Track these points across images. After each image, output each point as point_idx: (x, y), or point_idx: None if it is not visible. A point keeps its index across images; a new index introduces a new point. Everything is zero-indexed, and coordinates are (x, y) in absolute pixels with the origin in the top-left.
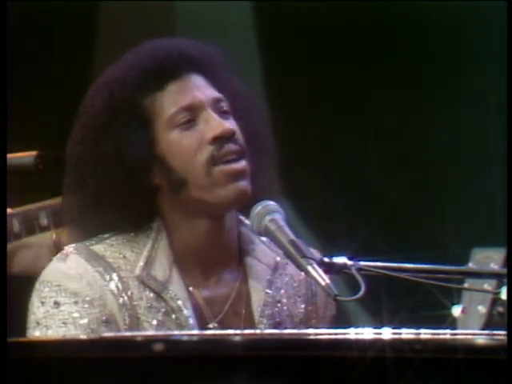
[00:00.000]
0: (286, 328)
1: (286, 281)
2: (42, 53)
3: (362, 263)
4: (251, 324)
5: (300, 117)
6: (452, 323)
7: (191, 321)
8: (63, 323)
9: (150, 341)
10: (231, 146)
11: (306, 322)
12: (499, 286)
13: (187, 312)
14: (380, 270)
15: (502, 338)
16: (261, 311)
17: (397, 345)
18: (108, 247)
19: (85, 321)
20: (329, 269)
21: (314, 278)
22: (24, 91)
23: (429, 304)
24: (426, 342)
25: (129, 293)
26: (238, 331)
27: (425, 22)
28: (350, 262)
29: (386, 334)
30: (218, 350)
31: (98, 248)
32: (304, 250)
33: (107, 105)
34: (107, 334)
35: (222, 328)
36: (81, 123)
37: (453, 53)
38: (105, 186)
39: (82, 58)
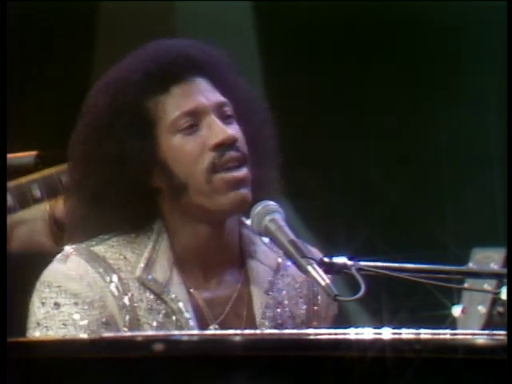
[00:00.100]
0: (287, 329)
1: (288, 282)
2: (42, 53)
3: (362, 263)
4: (253, 326)
5: (300, 117)
6: (452, 323)
7: (192, 323)
8: (63, 324)
9: (149, 341)
10: (233, 154)
11: (307, 323)
12: (499, 286)
13: (188, 314)
14: (380, 270)
15: (501, 338)
16: (262, 313)
17: (397, 345)
18: (109, 248)
19: (85, 322)
20: (329, 269)
21: (314, 278)
22: (24, 91)
23: (429, 304)
24: (426, 342)
25: (129, 294)
26: (237, 331)
27: (425, 22)
28: (350, 262)
29: (386, 333)
30: (218, 350)
31: (99, 249)
32: (304, 250)
33: (110, 106)
34: (107, 334)
35: (223, 330)
36: (83, 123)
37: (453, 53)
38: (105, 186)
39: (82, 58)
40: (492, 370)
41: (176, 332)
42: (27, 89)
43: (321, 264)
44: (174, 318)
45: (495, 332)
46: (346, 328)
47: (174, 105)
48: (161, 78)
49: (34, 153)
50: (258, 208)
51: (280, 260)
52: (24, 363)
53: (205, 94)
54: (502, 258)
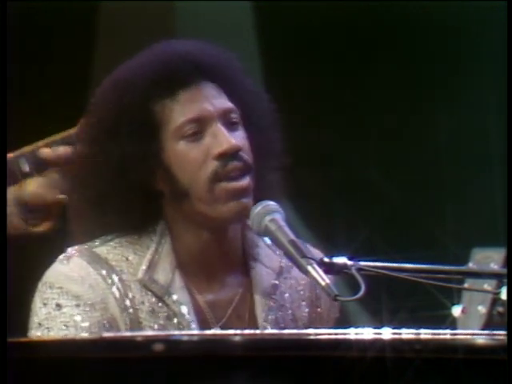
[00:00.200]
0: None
1: (291, 284)
2: (42, 53)
3: (362, 263)
4: (255, 329)
5: (300, 117)
6: (452, 323)
7: (193, 325)
8: (64, 326)
9: (149, 341)
10: (236, 164)
11: (310, 326)
12: (499, 286)
13: (189, 316)
14: (380, 270)
15: (501, 338)
16: (265, 316)
17: (397, 345)
18: (111, 249)
19: (86, 324)
20: (329, 269)
21: (314, 278)
22: (24, 91)
23: (429, 304)
24: (426, 342)
25: (131, 296)
26: (238, 331)
27: (425, 22)
28: (350, 262)
29: (386, 333)
30: (218, 349)
31: (101, 250)
32: (304, 250)
33: (116, 107)
34: (107, 334)
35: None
36: (88, 123)
37: (453, 53)
38: (108, 187)
39: (82, 58)
40: (492, 369)
41: (176, 332)
42: (27, 89)
43: (321, 264)
44: (175, 320)
45: (495, 332)
46: (345, 328)
47: (180, 111)
48: (168, 82)
49: None
50: (258, 208)
51: (283, 263)
52: (24, 363)
53: (211, 100)
54: (501, 258)
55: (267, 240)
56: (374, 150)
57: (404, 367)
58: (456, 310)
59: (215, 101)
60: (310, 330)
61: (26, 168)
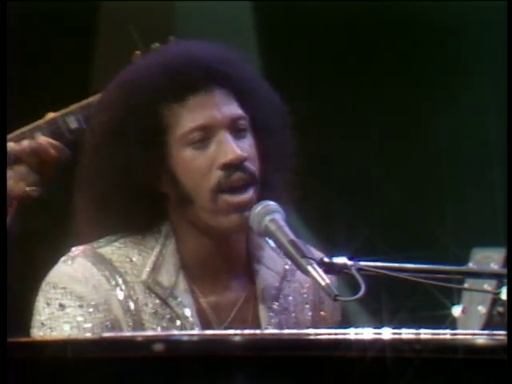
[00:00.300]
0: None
1: (295, 288)
2: (42, 53)
3: (362, 263)
4: None
5: (300, 117)
6: (452, 323)
7: (196, 328)
8: (67, 326)
9: (149, 341)
10: (240, 175)
11: None
12: (499, 286)
13: (192, 319)
14: (380, 270)
15: (501, 338)
16: (268, 319)
17: (397, 345)
18: (115, 250)
19: (89, 325)
20: (329, 269)
21: (314, 278)
22: (24, 91)
23: (429, 304)
24: (426, 342)
25: (134, 298)
26: (237, 331)
27: (425, 22)
28: (350, 262)
29: (386, 333)
30: (218, 349)
31: (106, 251)
32: (304, 250)
33: (124, 108)
34: (107, 334)
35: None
36: (97, 122)
37: (453, 53)
38: (113, 188)
39: (82, 58)
40: (492, 369)
41: (176, 332)
42: (27, 89)
43: (321, 264)
44: (178, 322)
45: (495, 332)
46: (345, 328)
47: (188, 117)
48: (177, 87)
49: None
50: (258, 208)
51: (287, 266)
52: (24, 363)
53: (220, 107)
54: (501, 258)
55: (272, 243)
56: (374, 150)
57: (404, 367)
58: (456, 310)
59: (224, 108)
60: (310, 330)
61: (75, 125)
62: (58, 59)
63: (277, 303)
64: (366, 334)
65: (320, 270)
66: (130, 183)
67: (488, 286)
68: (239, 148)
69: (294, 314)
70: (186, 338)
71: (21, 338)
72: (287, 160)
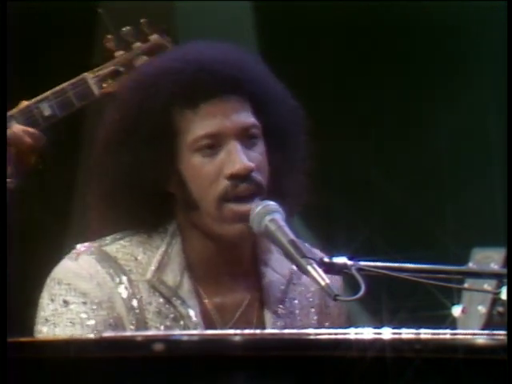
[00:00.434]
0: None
1: (300, 291)
2: (42, 53)
3: (362, 263)
4: None
5: None
6: (452, 323)
7: (200, 328)
8: (71, 322)
9: (149, 341)
10: (246, 186)
11: None
12: (499, 286)
13: (196, 319)
14: (380, 270)
15: (501, 337)
16: (273, 322)
17: (397, 345)
18: (121, 248)
19: (92, 322)
20: (329, 269)
21: (314, 278)
22: (24, 91)
23: (429, 304)
24: (426, 342)
25: (138, 296)
26: (237, 331)
27: (425, 22)
28: (350, 262)
29: (386, 333)
30: (218, 349)
31: (111, 249)
32: (304, 250)
33: (137, 107)
34: (107, 334)
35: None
36: (109, 118)
37: (453, 53)
38: (121, 184)
39: (82, 58)
40: (492, 369)
41: (176, 332)
42: (27, 88)
43: (321, 264)
44: (181, 322)
45: (495, 332)
46: (346, 328)
47: (199, 124)
48: (191, 94)
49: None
50: (258, 208)
51: (294, 269)
52: (24, 363)
53: (231, 115)
54: (501, 258)
55: None
56: (374, 150)
57: (404, 367)
58: (456, 310)
59: (235, 116)
60: (310, 330)
61: (49, 111)
62: (57, 59)
63: (282, 306)
64: (366, 333)
65: (320, 270)
66: (138, 182)
67: (488, 285)
68: (248, 158)
69: (299, 318)
70: (185, 338)
71: (21, 338)
72: (300, 164)
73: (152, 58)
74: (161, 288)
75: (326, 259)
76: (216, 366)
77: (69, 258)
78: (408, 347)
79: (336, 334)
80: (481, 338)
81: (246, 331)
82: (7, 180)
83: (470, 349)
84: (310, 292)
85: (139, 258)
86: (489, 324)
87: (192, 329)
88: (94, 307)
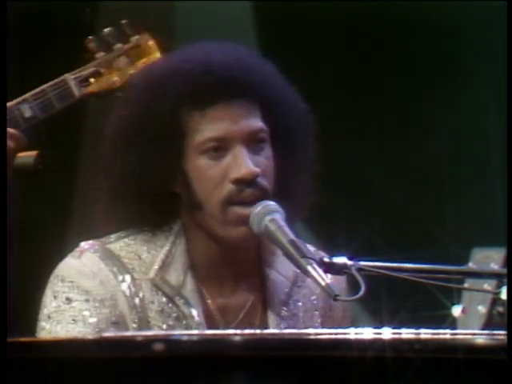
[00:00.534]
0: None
1: (304, 294)
2: (42, 52)
3: (362, 263)
4: None
5: None
6: (452, 323)
7: (202, 328)
8: (73, 320)
9: (149, 341)
10: (251, 191)
11: None
12: (499, 286)
13: (199, 319)
14: (380, 270)
15: (501, 337)
16: (276, 324)
17: (397, 345)
18: (125, 246)
19: (94, 320)
20: (329, 269)
21: (314, 278)
22: (24, 91)
23: (429, 304)
24: (425, 342)
25: (141, 295)
26: (237, 331)
27: (425, 22)
28: (350, 262)
29: (386, 333)
30: (218, 349)
31: (114, 247)
32: (304, 250)
33: (145, 106)
34: (107, 334)
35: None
36: (117, 115)
37: (453, 53)
38: (127, 181)
39: (82, 58)
40: (492, 370)
41: (176, 332)
42: (27, 88)
43: (321, 264)
44: (184, 322)
45: (495, 332)
46: (345, 328)
47: (206, 127)
48: (200, 96)
49: (34, 153)
50: (258, 208)
51: (298, 271)
52: (24, 363)
53: (239, 120)
54: (502, 258)
55: None
56: (374, 150)
57: (404, 367)
58: (456, 310)
59: (243, 121)
60: (310, 330)
61: (30, 113)
62: (57, 59)
63: (286, 308)
64: (366, 333)
65: (320, 270)
66: (144, 181)
67: (488, 286)
68: (254, 162)
69: (302, 320)
70: (185, 338)
71: (21, 338)
72: (308, 167)
73: (163, 56)
74: (164, 287)
75: (326, 259)
76: (216, 366)
77: (72, 256)
78: (408, 347)
79: (336, 334)
80: (481, 338)
81: (246, 331)
82: None
83: (470, 349)
84: (314, 295)
85: (143, 256)
86: (489, 324)
87: (194, 328)
88: (97, 305)
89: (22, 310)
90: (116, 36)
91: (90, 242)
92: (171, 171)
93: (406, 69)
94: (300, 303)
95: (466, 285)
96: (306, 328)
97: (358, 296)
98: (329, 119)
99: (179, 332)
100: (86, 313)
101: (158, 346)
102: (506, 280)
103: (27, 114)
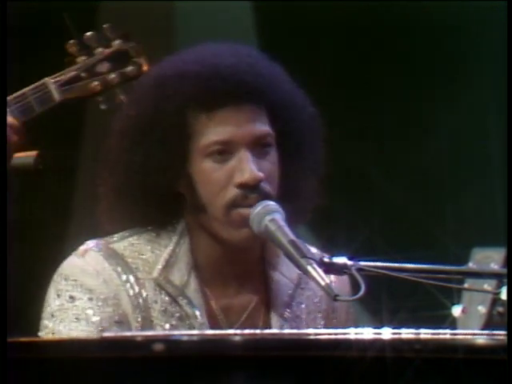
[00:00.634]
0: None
1: (308, 296)
2: (42, 52)
3: (362, 263)
4: None
5: None
6: (452, 323)
7: (205, 328)
8: (76, 318)
9: (149, 341)
10: (255, 196)
11: None
12: (499, 286)
13: (201, 319)
14: (380, 270)
15: (501, 337)
16: (279, 326)
17: (397, 345)
18: (128, 246)
19: (97, 318)
20: (329, 269)
21: (314, 278)
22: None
23: (429, 304)
24: (425, 342)
25: (144, 295)
26: (237, 331)
27: (425, 22)
28: (350, 262)
29: (386, 334)
30: (218, 349)
31: (118, 246)
32: (304, 250)
33: (153, 106)
34: (107, 334)
35: None
36: (125, 112)
37: (453, 53)
38: (131, 179)
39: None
40: (492, 369)
41: (176, 332)
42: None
43: (321, 264)
44: (187, 322)
45: (495, 332)
46: (346, 328)
47: (212, 130)
48: (208, 99)
49: (34, 153)
50: (258, 208)
51: (302, 273)
52: (24, 363)
53: (245, 124)
54: (502, 258)
55: None
56: (374, 150)
57: (404, 367)
58: (456, 310)
59: (249, 125)
60: (310, 330)
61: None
62: (57, 59)
63: (289, 310)
64: (366, 333)
65: (320, 270)
66: (149, 181)
67: (488, 286)
68: (259, 167)
69: (305, 322)
70: (185, 338)
71: (21, 338)
72: (316, 170)
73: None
74: (167, 287)
75: (326, 259)
76: (216, 366)
77: (76, 255)
78: (408, 347)
79: (336, 334)
80: (481, 338)
81: (246, 331)
82: None
83: (470, 349)
84: (317, 297)
85: (147, 256)
86: (489, 324)
87: (197, 329)
88: (100, 303)
89: (22, 309)
90: (97, 40)
91: (94, 240)
92: (175, 173)
93: (406, 69)
94: (303, 305)
95: (466, 285)
96: None
97: (357, 296)
98: (329, 119)
99: (179, 332)
100: (90, 311)
101: (158, 346)
102: (506, 280)
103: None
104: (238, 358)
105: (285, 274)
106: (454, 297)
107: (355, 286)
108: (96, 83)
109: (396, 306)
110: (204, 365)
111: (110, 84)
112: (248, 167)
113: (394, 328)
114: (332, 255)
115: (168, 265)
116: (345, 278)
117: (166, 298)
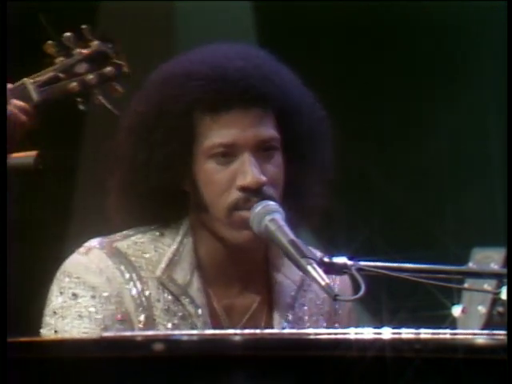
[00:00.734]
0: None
1: (310, 298)
2: (42, 52)
3: (362, 263)
4: None
5: None
6: (452, 323)
7: (207, 328)
8: (79, 316)
9: (149, 341)
10: (257, 200)
11: None
12: (499, 286)
13: (204, 319)
14: (380, 270)
15: (501, 337)
16: (282, 327)
17: (397, 345)
18: (132, 245)
19: (100, 316)
20: (329, 269)
21: (314, 278)
22: None
23: (429, 304)
24: (425, 342)
25: (147, 293)
26: (237, 331)
27: (425, 22)
28: (350, 262)
29: (386, 333)
30: (218, 349)
31: (122, 245)
32: (304, 250)
33: (160, 105)
34: (107, 334)
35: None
36: (133, 109)
37: (453, 53)
38: (136, 176)
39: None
40: (492, 370)
41: (176, 332)
42: None
43: (321, 264)
44: (189, 321)
45: (495, 332)
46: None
47: (217, 132)
48: (213, 101)
49: (34, 153)
50: (258, 208)
51: (305, 276)
52: (24, 363)
53: (250, 128)
54: (502, 258)
55: None
56: (374, 150)
57: (404, 367)
58: (456, 310)
59: (254, 129)
60: (310, 330)
61: None
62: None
63: (291, 312)
64: (366, 333)
65: (320, 270)
66: (151, 177)
67: (488, 285)
68: (262, 171)
69: (308, 324)
70: (185, 338)
71: (21, 338)
72: (323, 174)
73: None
74: (170, 286)
75: (326, 259)
76: (216, 366)
77: (79, 253)
78: (408, 347)
79: (336, 333)
80: (481, 338)
81: (246, 331)
82: None
83: (470, 349)
84: (320, 299)
85: (150, 255)
86: (489, 324)
87: (200, 328)
88: (103, 301)
89: (22, 309)
90: (75, 41)
91: (98, 239)
92: (178, 172)
93: (406, 69)
94: (306, 307)
95: (466, 285)
96: None
97: (357, 296)
98: (329, 119)
99: (179, 332)
100: (92, 309)
101: (158, 346)
102: (506, 280)
103: None
104: (238, 357)
105: (288, 275)
106: (454, 297)
107: (355, 286)
108: (74, 84)
109: (396, 306)
110: (204, 365)
111: (89, 84)
112: (250, 171)
113: (393, 328)
114: (332, 255)
115: (171, 264)
116: (347, 280)
117: (169, 297)
